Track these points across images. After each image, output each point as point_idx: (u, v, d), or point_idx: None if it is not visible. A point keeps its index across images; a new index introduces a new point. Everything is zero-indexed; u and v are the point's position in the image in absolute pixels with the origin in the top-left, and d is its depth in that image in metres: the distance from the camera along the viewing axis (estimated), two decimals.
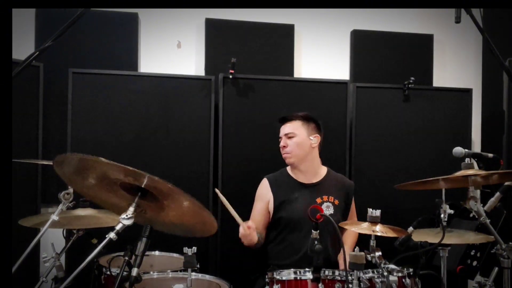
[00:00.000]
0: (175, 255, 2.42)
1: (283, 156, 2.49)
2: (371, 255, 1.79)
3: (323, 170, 2.55)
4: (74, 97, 2.85)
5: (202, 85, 3.01)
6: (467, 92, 3.32)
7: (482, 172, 1.97)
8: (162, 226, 1.67)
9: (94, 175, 1.53)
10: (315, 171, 2.51)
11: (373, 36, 3.46)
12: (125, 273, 1.52)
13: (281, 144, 2.49)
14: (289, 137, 2.46)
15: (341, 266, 2.23)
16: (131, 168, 1.41)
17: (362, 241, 2.32)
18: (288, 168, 2.55)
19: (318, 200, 2.43)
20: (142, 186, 1.51)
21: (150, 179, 1.44)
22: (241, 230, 2.26)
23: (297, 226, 2.39)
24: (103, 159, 1.41)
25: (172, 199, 1.54)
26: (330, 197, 2.45)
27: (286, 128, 2.49)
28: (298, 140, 2.45)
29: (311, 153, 2.48)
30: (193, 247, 1.86)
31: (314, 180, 2.49)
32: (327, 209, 2.41)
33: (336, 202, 2.45)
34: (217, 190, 2.32)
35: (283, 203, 2.44)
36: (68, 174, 1.59)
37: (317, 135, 2.49)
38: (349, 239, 2.51)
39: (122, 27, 3.14)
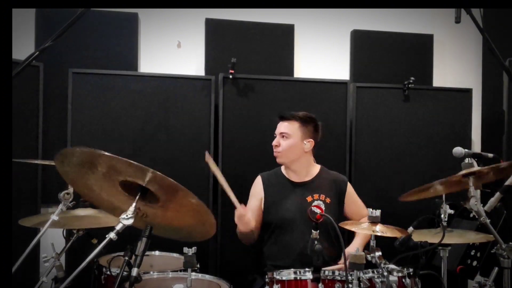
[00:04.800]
0: (175, 255, 2.41)
1: (274, 154, 2.45)
2: (371, 255, 1.79)
3: (316, 169, 2.52)
4: (74, 97, 2.85)
5: (202, 85, 3.01)
6: (467, 92, 3.32)
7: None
8: (161, 229, 1.67)
9: (97, 171, 1.52)
10: (307, 171, 2.49)
11: (373, 36, 3.46)
12: (125, 273, 1.52)
13: (274, 142, 2.45)
14: (283, 137, 2.42)
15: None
16: (135, 163, 1.41)
17: None
18: (282, 167, 2.54)
19: (309, 198, 2.40)
20: (144, 184, 1.51)
21: (153, 174, 1.44)
22: (237, 211, 2.23)
23: (289, 226, 2.37)
24: (107, 153, 1.42)
25: (172, 197, 1.54)
26: (321, 195, 2.41)
27: (282, 127, 2.44)
28: (291, 143, 2.41)
29: (303, 157, 2.45)
30: (193, 247, 1.86)
31: (306, 179, 2.47)
32: None
33: (328, 200, 2.41)
34: (208, 156, 2.29)
35: (274, 203, 2.43)
36: (69, 171, 1.58)
37: (311, 140, 2.44)
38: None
39: (122, 27, 3.14)
